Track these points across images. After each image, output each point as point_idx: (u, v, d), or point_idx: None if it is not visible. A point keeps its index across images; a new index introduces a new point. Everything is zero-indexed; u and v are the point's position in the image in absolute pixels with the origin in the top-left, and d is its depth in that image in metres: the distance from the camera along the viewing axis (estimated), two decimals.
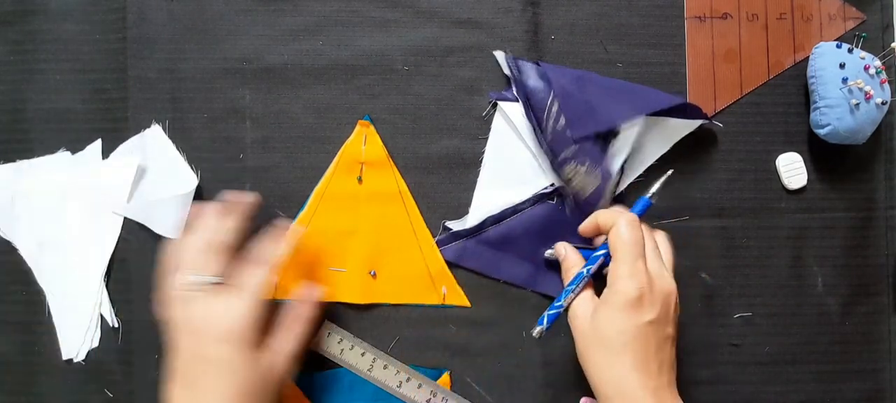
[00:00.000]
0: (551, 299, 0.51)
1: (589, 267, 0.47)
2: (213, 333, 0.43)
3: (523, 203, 0.52)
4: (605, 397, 0.43)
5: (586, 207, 0.51)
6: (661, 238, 0.48)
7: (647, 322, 0.43)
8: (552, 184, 0.52)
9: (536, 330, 0.46)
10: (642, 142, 0.52)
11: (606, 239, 0.46)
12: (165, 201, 0.51)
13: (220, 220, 0.46)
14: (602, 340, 0.43)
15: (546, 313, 0.47)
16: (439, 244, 0.52)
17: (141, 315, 0.51)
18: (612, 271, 0.44)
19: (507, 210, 0.52)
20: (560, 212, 0.52)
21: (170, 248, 0.46)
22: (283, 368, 0.46)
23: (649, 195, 0.48)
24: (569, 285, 0.47)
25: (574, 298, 0.46)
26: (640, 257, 0.44)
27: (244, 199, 0.48)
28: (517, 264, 0.52)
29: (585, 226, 0.49)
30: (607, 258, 0.46)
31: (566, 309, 0.47)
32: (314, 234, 0.52)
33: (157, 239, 0.52)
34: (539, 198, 0.52)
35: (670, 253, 0.47)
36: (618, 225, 0.45)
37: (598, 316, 0.44)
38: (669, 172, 0.48)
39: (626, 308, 0.42)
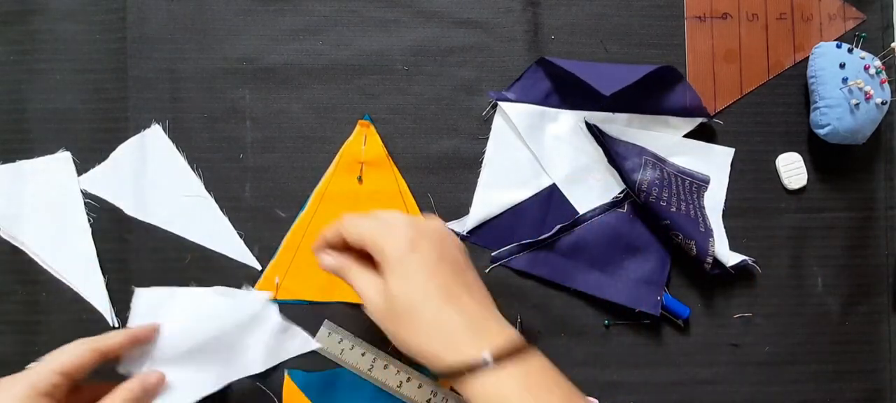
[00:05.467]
0: (618, 306, 0.51)
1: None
2: None
3: (593, 211, 0.52)
4: (428, 353, 0.39)
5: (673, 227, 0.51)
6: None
7: (428, 252, 0.40)
8: (623, 192, 0.52)
9: None
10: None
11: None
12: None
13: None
14: (400, 303, 0.40)
15: None
16: (503, 256, 0.52)
17: None
18: (372, 244, 0.41)
19: (577, 218, 0.52)
20: (630, 221, 0.52)
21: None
22: None
23: None
24: None
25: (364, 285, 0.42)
26: (378, 215, 0.42)
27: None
28: (587, 272, 0.52)
29: (318, 244, 0.45)
30: None
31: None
32: (314, 234, 0.52)
33: (158, 238, 0.52)
34: (609, 207, 0.52)
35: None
36: (342, 224, 0.43)
37: (386, 282, 0.40)
38: None
39: (404, 254, 0.40)
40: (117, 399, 0.43)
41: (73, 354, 0.42)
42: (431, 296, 0.40)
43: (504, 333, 0.40)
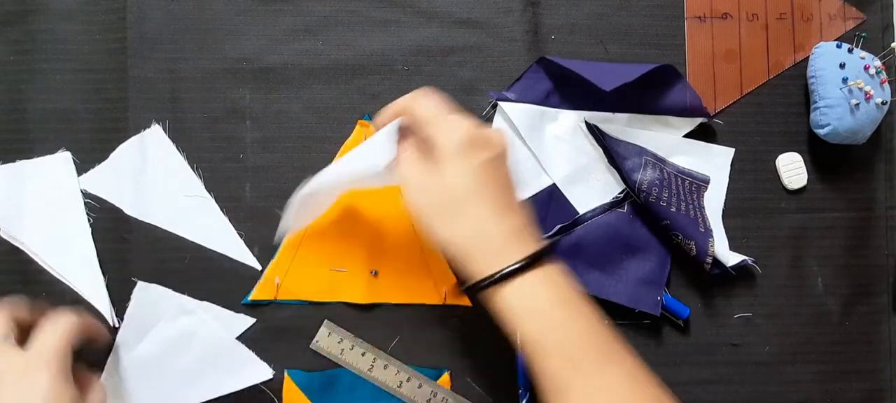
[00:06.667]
0: (618, 306, 0.51)
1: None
2: None
3: (593, 211, 0.52)
4: (463, 254, 0.40)
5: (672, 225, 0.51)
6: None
7: (488, 159, 0.40)
8: (623, 192, 0.52)
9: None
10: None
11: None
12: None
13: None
14: (448, 196, 0.40)
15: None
16: None
17: None
18: (431, 133, 0.41)
19: (577, 218, 0.52)
20: (630, 221, 0.52)
21: None
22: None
23: None
24: None
25: (405, 163, 0.43)
26: (451, 111, 0.42)
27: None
28: (587, 272, 0.52)
29: (383, 118, 0.46)
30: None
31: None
32: (315, 234, 0.52)
33: (158, 238, 0.52)
34: (609, 207, 0.52)
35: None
36: (416, 98, 0.43)
37: (438, 172, 0.40)
38: None
39: (462, 151, 0.40)
40: (60, 323, 0.44)
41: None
42: (483, 198, 0.39)
43: (541, 246, 0.40)
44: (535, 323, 0.39)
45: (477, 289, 0.40)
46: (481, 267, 0.39)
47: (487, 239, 0.39)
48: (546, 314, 0.39)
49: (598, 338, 0.39)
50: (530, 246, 0.40)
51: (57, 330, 0.44)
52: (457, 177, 0.40)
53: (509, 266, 0.39)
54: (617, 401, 0.37)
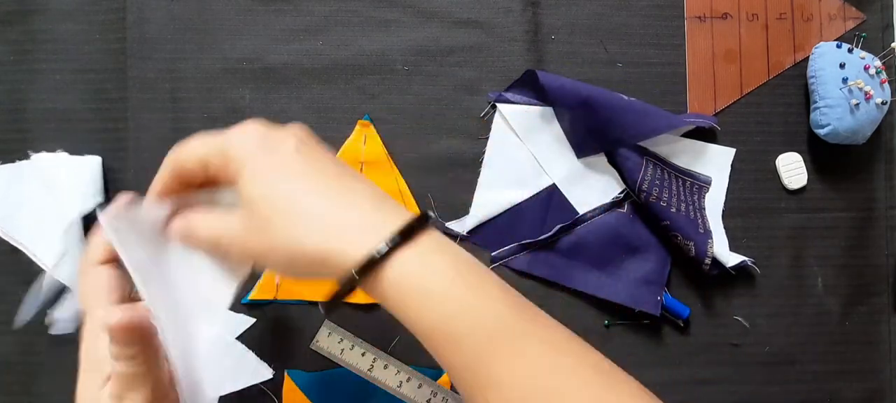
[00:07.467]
0: (618, 306, 0.51)
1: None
2: None
3: (593, 211, 0.52)
4: (319, 253, 0.31)
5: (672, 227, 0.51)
6: None
7: (294, 147, 0.33)
8: (623, 192, 0.52)
9: None
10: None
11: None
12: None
13: None
14: (271, 203, 0.32)
15: None
16: (504, 256, 0.52)
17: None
18: (217, 156, 0.34)
19: (577, 218, 0.52)
20: (630, 221, 0.52)
21: None
22: None
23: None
24: None
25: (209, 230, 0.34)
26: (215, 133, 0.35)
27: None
28: (587, 272, 0.52)
29: (155, 192, 0.37)
30: None
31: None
32: None
33: None
34: (609, 207, 0.52)
35: None
36: (178, 150, 0.36)
37: (246, 189, 0.33)
38: None
39: (259, 155, 0.33)
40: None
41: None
42: (308, 181, 0.32)
43: (409, 215, 0.32)
44: (438, 305, 0.31)
45: (353, 285, 0.31)
46: (344, 258, 0.31)
47: (343, 220, 0.32)
48: (452, 293, 0.31)
49: (515, 307, 0.32)
50: (397, 210, 0.33)
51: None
52: (265, 180, 0.32)
53: (382, 244, 0.31)
54: (547, 375, 0.31)
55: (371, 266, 0.31)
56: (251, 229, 0.32)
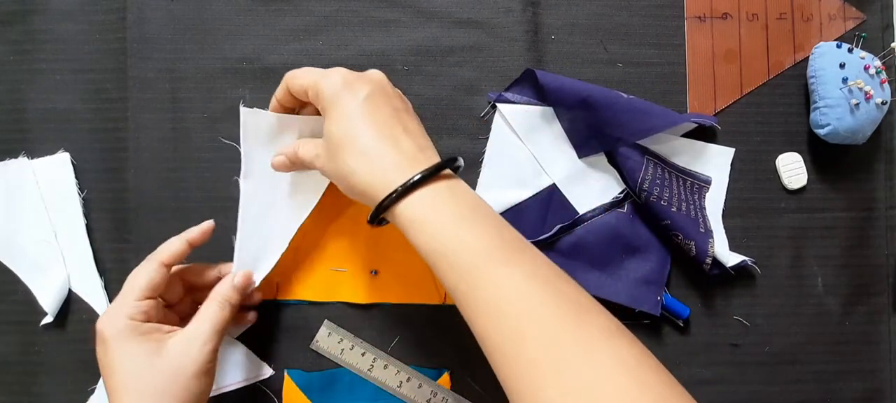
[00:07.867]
0: (618, 306, 0.51)
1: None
2: None
3: (593, 211, 0.52)
4: (365, 183, 0.41)
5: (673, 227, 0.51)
6: None
7: (365, 98, 0.42)
8: (623, 192, 0.52)
9: None
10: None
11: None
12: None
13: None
14: (342, 133, 0.41)
15: None
16: None
17: None
18: (311, 88, 0.43)
19: (577, 218, 0.52)
20: (630, 221, 0.52)
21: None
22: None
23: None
24: None
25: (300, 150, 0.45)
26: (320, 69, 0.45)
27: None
28: (587, 272, 0.52)
29: (275, 108, 0.48)
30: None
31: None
32: (315, 234, 0.52)
33: (158, 239, 0.51)
34: (609, 207, 0.52)
35: None
36: (291, 77, 0.45)
37: (327, 124, 0.42)
38: None
39: (341, 99, 0.42)
40: (213, 303, 0.45)
41: (169, 246, 0.46)
42: (367, 128, 0.41)
43: (435, 163, 0.41)
44: (434, 232, 0.39)
45: (381, 210, 0.40)
46: (382, 189, 0.40)
47: (385, 162, 0.40)
48: (447, 223, 0.39)
49: (502, 241, 0.39)
50: (429, 161, 0.41)
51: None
52: (339, 117, 0.42)
53: (408, 180, 0.39)
54: (524, 294, 0.37)
55: (392, 199, 0.39)
56: (329, 156, 0.42)
